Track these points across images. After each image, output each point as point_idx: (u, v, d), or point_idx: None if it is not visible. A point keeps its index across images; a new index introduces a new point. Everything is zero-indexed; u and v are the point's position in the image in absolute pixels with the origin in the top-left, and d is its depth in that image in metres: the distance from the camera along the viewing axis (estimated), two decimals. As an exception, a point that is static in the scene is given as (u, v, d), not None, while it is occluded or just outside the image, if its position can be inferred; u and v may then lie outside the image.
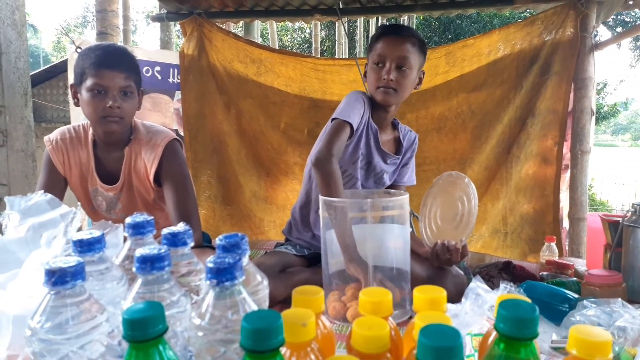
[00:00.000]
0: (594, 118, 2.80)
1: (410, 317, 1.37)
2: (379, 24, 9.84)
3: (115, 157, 1.57)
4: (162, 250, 0.58)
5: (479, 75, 2.81)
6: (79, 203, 0.93)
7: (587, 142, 2.70)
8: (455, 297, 1.18)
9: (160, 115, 3.04)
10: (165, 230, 0.67)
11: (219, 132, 3.08)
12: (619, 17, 12.59)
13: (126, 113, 1.49)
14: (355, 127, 1.61)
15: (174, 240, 0.66)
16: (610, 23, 12.39)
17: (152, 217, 0.73)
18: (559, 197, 2.73)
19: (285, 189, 3.13)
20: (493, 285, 1.79)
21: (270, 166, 3.13)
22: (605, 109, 16.13)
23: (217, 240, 0.63)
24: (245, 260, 0.64)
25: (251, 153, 3.12)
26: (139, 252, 0.58)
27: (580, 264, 2.03)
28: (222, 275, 0.53)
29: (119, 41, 5.53)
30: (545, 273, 1.83)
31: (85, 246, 0.63)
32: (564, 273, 1.82)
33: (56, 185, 1.57)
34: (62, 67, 8.54)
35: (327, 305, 1.32)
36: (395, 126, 1.89)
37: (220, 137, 3.08)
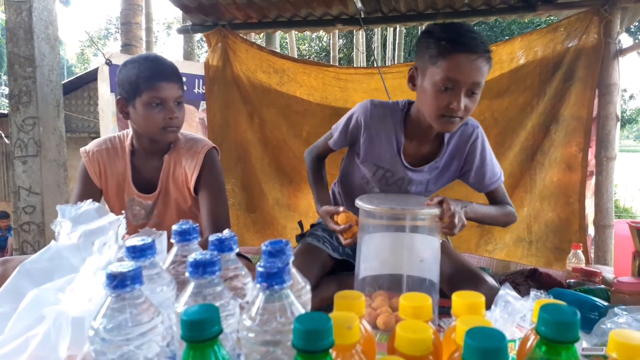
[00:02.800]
0: (619, 124, 2.78)
1: (440, 326, 1.38)
2: (397, 32, 9.88)
3: (153, 165, 1.62)
4: (214, 255, 0.62)
5: (501, 82, 2.81)
6: (123, 212, 0.97)
7: (613, 148, 2.68)
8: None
9: (185, 125, 3.08)
10: (212, 237, 0.70)
11: (242, 141, 3.14)
12: (641, 21, 12.40)
13: (181, 122, 1.56)
14: (332, 146, 1.70)
15: (221, 246, 0.69)
16: (632, 29, 12.22)
17: (197, 224, 0.76)
18: (584, 205, 2.70)
19: (308, 197, 3.15)
20: (519, 293, 1.80)
21: (293, 174, 3.17)
22: (628, 113, 15.89)
23: (263, 247, 0.65)
24: (290, 264, 0.67)
25: (274, 161, 3.16)
26: (192, 257, 0.61)
27: (607, 272, 2.01)
28: (272, 279, 0.56)
29: (142, 52, 5.67)
30: (572, 280, 1.82)
31: (138, 252, 0.67)
32: (591, 280, 1.81)
33: (92, 196, 1.58)
34: (86, 78, 8.75)
35: None
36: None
37: (244, 146, 3.14)
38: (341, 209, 1.46)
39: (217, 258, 0.62)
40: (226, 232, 0.72)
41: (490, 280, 1.52)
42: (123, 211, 1.07)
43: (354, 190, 1.72)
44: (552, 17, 3.31)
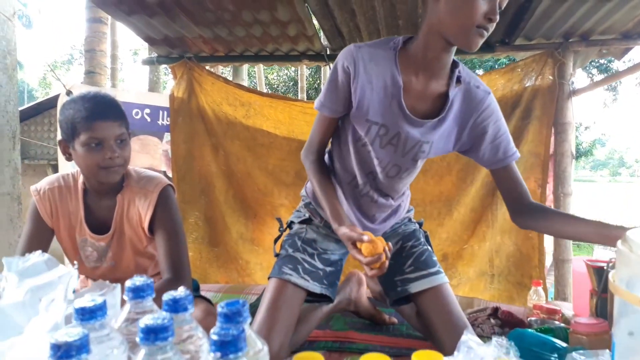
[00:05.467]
0: (574, 160, 2.89)
1: None
2: None
3: (107, 205, 1.56)
4: (166, 321, 0.59)
5: (463, 119, 2.88)
6: (75, 263, 0.93)
7: (569, 184, 2.78)
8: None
9: (148, 157, 3.06)
10: (166, 297, 0.67)
11: (207, 174, 3.11)
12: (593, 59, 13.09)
13: (125, 160, 1.50)
14: (329, 113, 1.42)
15: (176, 307, 0.67)
16: (587, 66, 12.91)
17: (151, 280, 0.73)
18: (543, 240, 2.77)
19: (272, 231, 3.12)
20: (482, 332, 1.81)
21: (257, 207, 3.14)
22: (584, 145, 16.59)
23: (219, 308, 0.63)
24: (246, 327, 0.65)
25: (239, 194, 3.14)
26: (143, 322, 0.59)
27: (567, 308, 2.05)
28: (227, 348, 0.54)
29: (106, 80, 5.58)
30: (533, 318, 1.84)
31: (87, 314, 0.63)
32: (552, 318, 1.84)
33: (42, 236, 1.54)
34: (47, 104, 8.56)
35: None
36: (451, 74, 1.37)
37: (208, 179, 3.11)
38: (365, 237, 1.22)
39: (170, 323, 0.59)
40: (181, 291, 0.69)
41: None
42: (75, 262, 1.03)
43: (351, 157, 1.50)
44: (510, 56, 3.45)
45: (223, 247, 3.11)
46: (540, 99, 2.77)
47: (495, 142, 1.41)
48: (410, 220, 1.76)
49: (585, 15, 2.41)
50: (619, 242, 0.69)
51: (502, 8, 1.22)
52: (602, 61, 13.32)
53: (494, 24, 1.22)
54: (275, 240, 1.69)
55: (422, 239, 1.67)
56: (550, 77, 2.75)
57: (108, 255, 1.59)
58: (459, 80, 1.37)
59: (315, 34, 2.74)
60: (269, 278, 1.52)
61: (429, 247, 1.65)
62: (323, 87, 1.42)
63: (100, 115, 1.42)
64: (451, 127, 1.40)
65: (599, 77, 14.29)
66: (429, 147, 1.42)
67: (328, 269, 1.56)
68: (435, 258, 1.62)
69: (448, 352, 0.88)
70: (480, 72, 13.83)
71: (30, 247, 1.52)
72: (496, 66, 12.07)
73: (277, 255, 1.60)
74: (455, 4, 1.21)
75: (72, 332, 0.55)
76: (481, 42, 1.24)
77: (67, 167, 2.90)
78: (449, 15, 1.23)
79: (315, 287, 1.49)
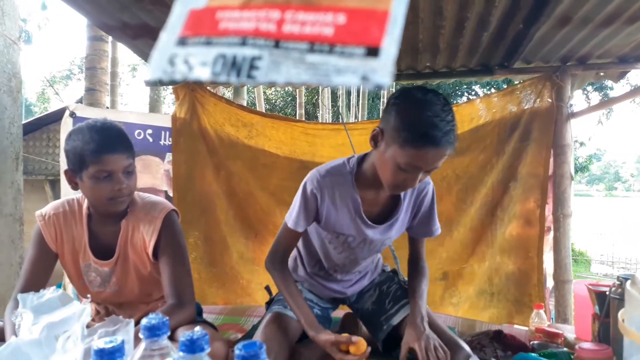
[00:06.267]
0: (573, 182, 2.91)
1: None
2: (360, 93, 10.46)
3: (111, 230, 1.57)
4: (186, 363, 0.60)
5: (462, 140, 2.89)
6: (89, 296, 0.93)
7: (568, 205, 2.81)
8: None
9: (150, 176, 3.07)
10: (182, 338, 0.68)
11: (208, 193, 3.11)
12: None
13: (132, 189, 1.51)
14: (297, 228, 1.56)
15: (192, 348, 0.68)
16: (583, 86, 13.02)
17: (167, 318, 0.74)
18: (542, 259, 2.79)
19: (274, 251, 3.12)
20: (485, 355, 1.81)
21: (259, 226, 3.15)
22: (580, 160, 16.68)
23: (237, 350, 0.64)
24: (263, 369, 0.66)
25: (240, 214, 3.14)
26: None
27: (569, 331, 2.06)
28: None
29: (106, 96, 5.59)
30: (536, 342, 1.85)
31: (106, 356, 0.64)
32: (554, 342, 1.85)
33: (46, 261, 1.55)
34: (46, 119, 8.58)
35: None
36: None
37: (209, 198, 3.11)
38: (354, 338, 1.38)
39: (190, 366, 0.60)
40: (197, 331, 0.70)
41: (466, 348, 1.52)
42: (89, 295, 1.03)
43: (316, 246, 1.72)
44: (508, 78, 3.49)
45: (222, 267, 3.11)
46: (539, 121, 2.80)
47: (421, 220, 1.67)
48: (384, 271, 1.95)
49: (583, 41, 2.46)
50: (628, 284, 0.70)
51: (424, 180, 1.39)
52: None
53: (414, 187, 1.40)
54: (267, 304, 1.84)
55: (397, 279, 1.83)
56: (549, 100, 2.79)
57: (112, 281, 1.59)
58: None
59: (316, 56, 2.77)
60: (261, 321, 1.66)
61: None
62: (294, 208, 1.58)
63: (109, 148, 1.42)
64: (403, 217, 1.64)
65: (593, 94, 14.43)
66: (390, 240, 1.69)
67: (315, 309, 1.72)
68: None
69: None
70: (476, 87, 13.96)
71: (34, 272, 1.53)
72: (492, 82, 12.21)
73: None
74: (381, 161, 1.39)
75: (94, 378, 0.56)
76: (401, 192, 1.50)
77: (70, 190, 2.91)
78: (377, 165, 1.43)
79: None
